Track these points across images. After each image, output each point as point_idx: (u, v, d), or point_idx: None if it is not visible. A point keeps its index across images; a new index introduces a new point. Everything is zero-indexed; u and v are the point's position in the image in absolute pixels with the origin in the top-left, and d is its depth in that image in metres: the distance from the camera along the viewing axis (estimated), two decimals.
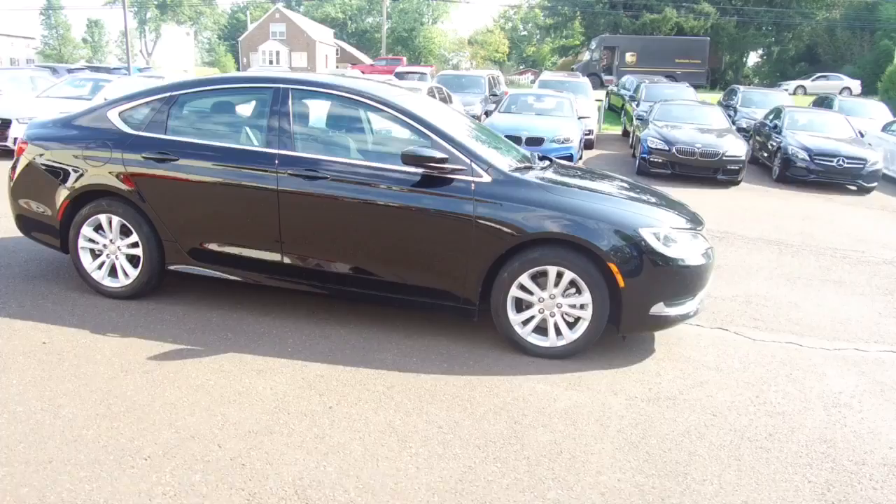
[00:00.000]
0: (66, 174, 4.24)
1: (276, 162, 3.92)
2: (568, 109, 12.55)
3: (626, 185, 4.66)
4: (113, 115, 4.26)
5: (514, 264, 3.82)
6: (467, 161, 3.84)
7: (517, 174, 3.95)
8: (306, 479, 2.61)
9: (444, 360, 3.79)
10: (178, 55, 30.71)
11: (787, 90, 32.78)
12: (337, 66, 51.02)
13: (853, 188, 11.86)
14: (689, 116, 12.90)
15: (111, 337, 3.76)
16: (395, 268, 3.97)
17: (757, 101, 18.02)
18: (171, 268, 4.24)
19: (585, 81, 17.91)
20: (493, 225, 3.77)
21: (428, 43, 64.77)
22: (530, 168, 4.23)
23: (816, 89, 30.98)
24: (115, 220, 4.20)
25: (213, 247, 4.14)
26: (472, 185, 3.81)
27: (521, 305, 3.94)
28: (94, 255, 4.34)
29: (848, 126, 13.02)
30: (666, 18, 35.80)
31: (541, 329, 3.95)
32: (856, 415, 3.54)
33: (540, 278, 3.86)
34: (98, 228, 4.29)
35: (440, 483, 2.67)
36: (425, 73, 23.35)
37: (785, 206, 9.93)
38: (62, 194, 4.25)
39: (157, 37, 46.54)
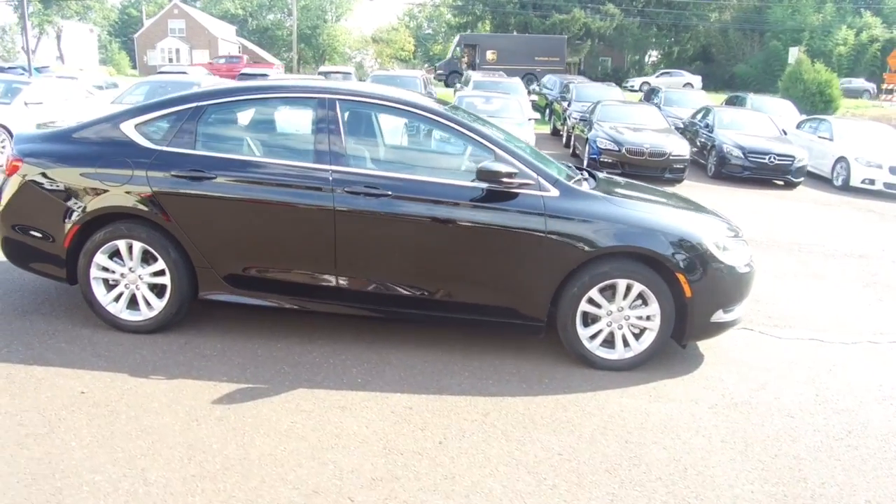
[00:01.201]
0: (75, 196, 3.73)
1: (331, 179, 3.62)
2: (517, 111, 12.60)
3: (664, 193, 4.68)
4: (128, 129, 3.78)
5: (584, 278, 3.73)
6: (534, 176, 3.71)
7: (582, 188, 3.86)
8: None
9: (520, 381, 3.65)
10: (81, 53, 28.29)
11: (632, 86, 34.76)
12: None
13: (780, 183, 12.66)
14: (629, 117, 13.29)
15: (156, 380, 3.34)
16: (460, 287, 3.78)
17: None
18: (207, 297, 3.82)
19: (517, 82, 18.09)
20: (565, 240, 3.66)
21: (332, 41, 63.57)
22: (584, 180, 4.14)
23: (660, 85, 32.41)
24: (137, 245, 3.74)
25: (256, 272, 3.77)
26: (542, 200, 3.68)
27: (586, 319, 3.85)
28: (109, 285, 3.85)
29: (773, 125, 13.89)
30: (574, 19, 36.96)
31: (606, 342, 3.88)
32: None
33: (607, 291, 3.79)
34: (114, 255, 3.80)
35: None
36: (350, 73, 22.80)
37: (729, 201, 10.42)
38: (70, 219, 3.73)
39: (58, 33, 42.80)
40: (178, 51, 46.46)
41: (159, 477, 2.56)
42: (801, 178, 12.50)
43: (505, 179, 3.59)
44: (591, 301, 3.78)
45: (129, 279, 3.80)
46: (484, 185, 3.66)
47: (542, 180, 3.73)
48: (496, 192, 3.67)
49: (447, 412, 3.24)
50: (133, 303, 3.86)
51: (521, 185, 3.66)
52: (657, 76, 37.18)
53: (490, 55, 34.18)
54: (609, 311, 3.82)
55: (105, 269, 3.80)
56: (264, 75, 19.27)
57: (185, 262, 3.75)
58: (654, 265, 3.75)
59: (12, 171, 3.83)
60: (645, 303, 3.81)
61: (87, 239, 3.75)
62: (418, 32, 63.75)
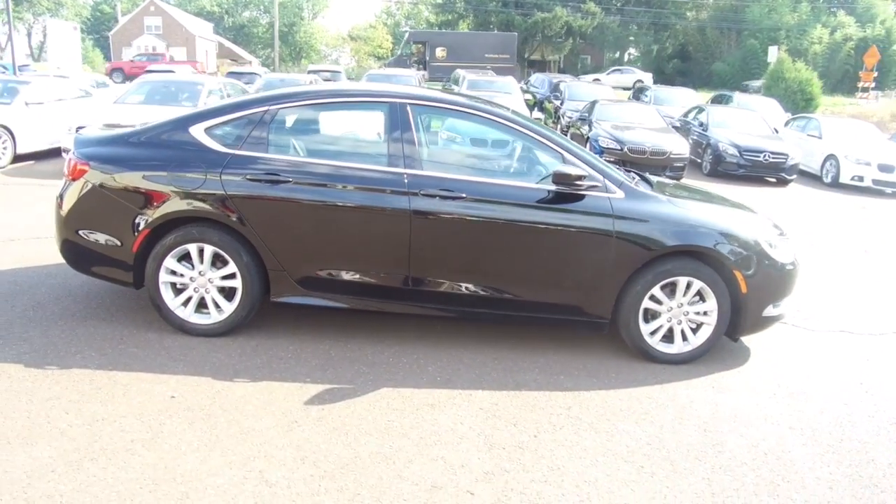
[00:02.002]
0: (146, 200, 3.74)
1: (406, 182, 3.68)
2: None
3: (711, 194, 4.82)
4: (197, 132, 3.80)
5: (647, 276, 3.85)
6: (601, 178, 3.83)
7: (643, 189, 3.98)
8: None
9: (589, 375, 3.77)
10: (66, 52, 27.66)
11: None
12: (217, 65, 48.29)
13: (773, 180, 13.00)
14: (627, 116, 13.50)
15: (241, 382, 3.38)
16: (529, 286, 3.88)
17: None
18: (280, 300, 3.86)
19: (512, 81, 18.20)
20: (632, 240, 3.79)
21: (309, 38, 63.12)
22: (641, 181, 4.27)
23: (611, 82, 32.71)
24: (209, 249, 3.76)
25: (329, 274, 3.82)
26: (609, 201, 3.80)
27: (647, 315, 3.98)
28: (176, 289, 3.87)
29: (765, 123, 14.23)
30: (556, 17, 37.26)
31: (665, 337, 4.01)
32: None
33: (667, 288, 3.92)
34: (182, 259, 3.82)
35: (707, 499, 2.66)
36: (339, 72, 22.69)
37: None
38: (141, 223, 3.74)
39: (28, 30, 41.71)
40: (154, 48, 45.69)
41: (280, 478, 2.61)
42: (794, 176, 12.84)
43: (577, 182, 3.70)
44: (652, 298, 3.91)
45: (198, 283, 3.82)
46: (553, 187, 3.77)
47: (608, 182, 3.84)
48: (565, 195, 3.77)
49: (531, 407, 3.34)
50: (201, 306, 3.88)
51: (589, 188, 3.77)
52: (608, 73, 37.34)
53: (440, 52, 33.72)
54: (669, 308, 3.95)
55: (173, 273, 3.81)
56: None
57: (256, 266, 3.79)
58: (713, 263, 3.89)
59: (78, 175, 3.81)
60: (703, 299, 3.95)
61: (157, 243, 3.77)
62: (396, 30, 63.53)
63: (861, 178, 12.64)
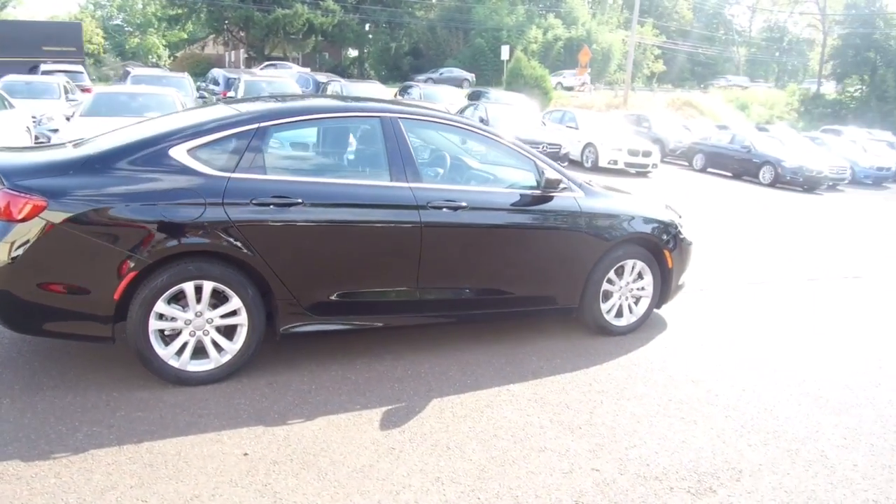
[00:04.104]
0: (133, 237, 3.20)
1: (413, 195, 3.74)
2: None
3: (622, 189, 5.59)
4: (179, 154, 3.36)
5: (605, 263, 4.46)
6: (567, 181, 4.30)
7: (595, 188, 4.55)
8: (705, 464, 2.98)
9: (577, 355, 4.26)
10: None
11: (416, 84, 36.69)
12: None
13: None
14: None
15: (298, 423, 3.17)
16: (518, 284, 4.21)
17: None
18: (291, 331, 3.62)
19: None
20: (595, 234, 4.35)
21: None
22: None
23: (443, 80, 34.99)
24: (208, 286, 3.38)
25: (341, 297, 3.69)
26: (576, 200, 4.30)
27: (604, 296, 4.59)
28: (164, 336, 3.41)
29: (537, 117, 16.18)
30: (297, 14, 36.77)
31: (617, 313, 4.67)
32: None
33: (617, 270, 4.58)
34: (173, 301, 3.38)
35: (736, 421, 3.33)
36: (80, 73, 19.62)
37: None
38: (125, 265, 3.21)
39: None
40: None
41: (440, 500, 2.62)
42: (566, 163, 14.85)
43: (560, 186, 4.12)
44: (608, 281, 4.53)
45: (194, 325, 3.42)
46: (536, 192, 4.14)
47: (571, 184, 4.33)
48: (544, 198, 4.17)
49: (561, 391, 3.72)
50: (197, 352, 3.47)
51: (563, 189, 4.23)
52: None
53: None
54: (619, 288, 4.61)
55: (163, 318, 3.36)
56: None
57: (262, 299, 3.51)
58: (650, 245, 4.64)
59: (31, 214, 3.11)
60: (641, 276, 4.68)
61: (141, 286, 3.27)
62: (107, 23, 56.45)
63: (616, 162, 15.11)
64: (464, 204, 3.88)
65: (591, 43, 38.22)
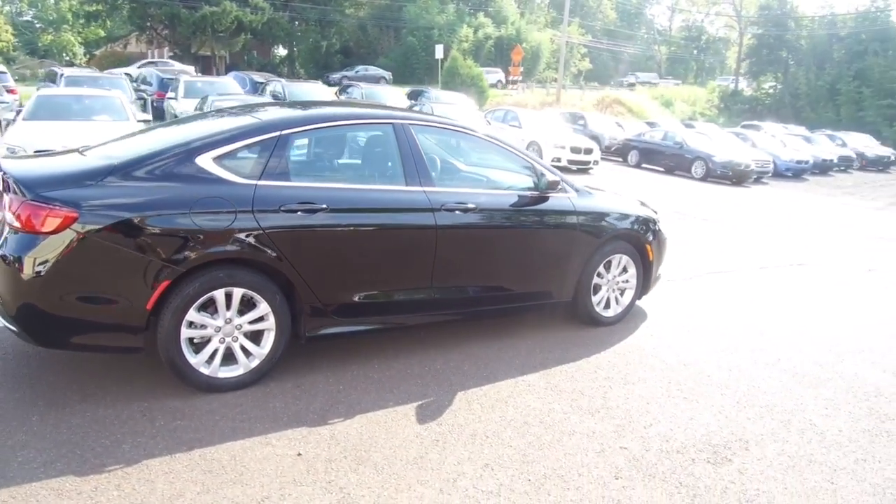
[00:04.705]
0: (166, 246, 3.22)
1: (429, 199, 3.90)
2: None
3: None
4: (206, 163, 3.39)
5: (595, 259, 4.76)
6: (561, 182, 4.56)
7: (584, 188, 4.83)
8: (715, 437, 3.29)
9: (576, 346, 4.53)
10: None
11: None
12: None
13: None
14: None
15: (339, 423, 3.28)
16: (520, 280, 4.44)
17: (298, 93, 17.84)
18: (316, 334, 3.71)
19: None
20: (588, 231, 4.64)
21: None
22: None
23: (359, 79, 34.72)
24: (237, 292, 3.44)
25: (362, 299, 3.82)
26: (570, 200, 4.57)
27: (595, 290, 4.89)
28: (194, 344, 3.44)
29: (482, 117, 16.47)
30: (226, 11, 35.79)
31: (605, 305, 4.99)
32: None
33: (606, 265, 4.89)
34: (203, 308, 3.42)
35: (738, 397, 3.68)
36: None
37: None
38: (159, 274, 3.22)
39: None
40: None
41: (503, 482, 2.81)
42: None
43: (559, 187, 4.38)
44: (598, 275, 4.83)
45: (224, 332, 3.47)
46: (535, 192, 4.38)
47: (565, 185, 4.60)
48: (542, 198, 4.42)
49: (571, 378, 3.99)
50: (226, 358, 3.53)
51: (559, 190, 4.49)
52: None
53: None
54: (607, 281, 4.92)
55: (193, 326, 3.40)
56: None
57: (288, 303, 3.60)
58: (634, 240, 4.97)
59: (62, 226, 3.09)
60: (626, 270, 5.01)
61: (172, 295, 3.30)
62: (16, 20, 53.12)
63: (559, 160, 15.62)
64: (473, 206, 4.07)
65: (520, 42, 39.07)
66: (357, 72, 38.39)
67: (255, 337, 3.59)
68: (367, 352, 4.11)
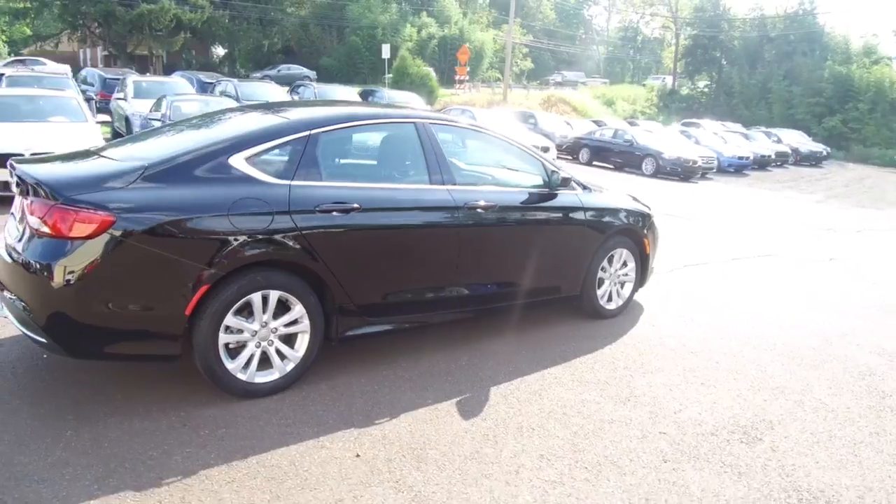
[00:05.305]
0: (204, 249, 3.15)
1: (452, 198, 3.94)
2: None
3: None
4: (238, 163, 3.33)
5: (600, 254, 4.91)
6: (570, 179, 4.68)
7: (588, 185, 4.97)
8: (741, 419, 3.46)
9: (586, 338, 4.67)
10: None
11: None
12: None
13: None
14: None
15: (386, 422, 3.29)
16: (533, 275, 4.53)
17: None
18: (348, 334, 3.70)
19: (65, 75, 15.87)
20: (593, 227, 4.79)
21: None
22: None
23: (281, 78, 33.70)
24: (274, 295, 3.40)
25: (392, 298, 3.83)
26: (578, 197, 4.70)
27: (599, 284, 5.04)
28: (229, 349, 3.38)
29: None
30: (164, 10, 34.56)
31: (608, 298, 5.15)
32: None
33: (609, 259, 5.05)
34: (239, 312, 3.36)
35: (748, 381, 3.89)
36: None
37: None
38: (198, 278, 3.15)
39: None
40: None
41: (561, 470, 2.89)
42: None
43: (571, 184, 4.50)
44: (602, 269, 4.99)
45: (261, 335, 3.43)
46: (546, 189, 4.49)
47: (573, 182, 4.72)
48: (552, 195, 4.53)
49: (590, 370, 4.12)
50: (261, 362, 3.48)
51: (570, 187, 4.61)
52: (278, 71, 36.63)
53: None
54: (610, 275, 5.08)
55: (230, 331, 3.34)
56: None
57: (321, 305, 3.58)
58: (633, 235, 5.15)
59: (98, 231, 2.97)
60: (626, 264, 5.19)
61: (211, 299, 3.24)
62: None
63: None
64: (493, 203, 4.14)
65: (463, 41, 39.35)
66: (279, 71, 37.46)
67: (289, 340, 3.56)
68: (390, 351, 4.11)
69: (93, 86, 19.39)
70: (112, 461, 2.84)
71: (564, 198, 4.60)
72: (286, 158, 3.50)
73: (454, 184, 4.01)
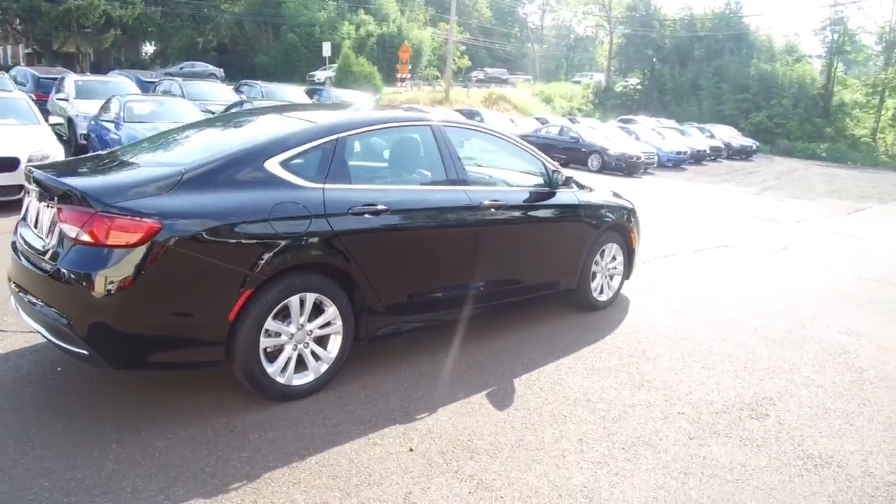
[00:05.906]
0: (247, 254, 3.19)
1: (469, 197, 4.10)
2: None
3: None
4: (274, 167, 3.38)
5: (594, 249, 5.18)
6: (568, 179, 4.91)
7: (580, 182, 5.22)
8: (745, 396, 3.77)
9: (587, 330, 4.93)
10: None
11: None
12: None
13: None
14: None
15: (428, 416, 3.42)
16: (537, 271, 4.75)
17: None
18: (377, 334, 3.80)
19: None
20: (589, 223, 5.04)
21: None
22: None
23: (184, 76, 32.56)
24: (310, 297, 3.47)
25: (416, 297, 3.96)
26: (575, 195, 4.95)
27: (592, 277, 5.31)
28: (267, 353, 3.43)
29: None
30: (93, 6, 33.07)
31: (600, 290, 5.42)
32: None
33: (601, 254, 5.32)
34: (277, 315, 3.42)
35: (752, 362, 4.22)
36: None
37: None
38: (241, 283, 3.19)
39: None
40: None
41: (602, 451, 3.10)
42: None
43: (572, 182, 4.73)
44: (595, 263, 5.25)
45: (297, 338, 3.49)
46: (547, 188, 4.71)
47: (572, 181, 4.96)
48: (553, 193, 4.75)
49: (598, 358, 4.37)
50: (297, 365, 3.55)
51: (570, 186, 4.84)
52: (181, 68, 35.31)
53: None
54: (601, 268, 5.36)
55: (268, 335, 3.39)
56: None
57: (353, 306, 3.68)
58: (622, 230, 5.44)
59: (145, 237, 2.97)
60: (615, 257, 5.48)
61: (253, 304, 3.28)
62: None
63: None
64: (505, 202, 4.32)
65: (402, 39, 39.39)
66: (182, 68, 35.92)
67: (321, 342, 3.63)
68: (406, 351, 4.22)
69: (24, 85, 18.39)
70: (169, 470, 2.87)
71: (564, 196, 4.82)
72: (317, 162, 3.57)
73: (469, 184, 4.17)
